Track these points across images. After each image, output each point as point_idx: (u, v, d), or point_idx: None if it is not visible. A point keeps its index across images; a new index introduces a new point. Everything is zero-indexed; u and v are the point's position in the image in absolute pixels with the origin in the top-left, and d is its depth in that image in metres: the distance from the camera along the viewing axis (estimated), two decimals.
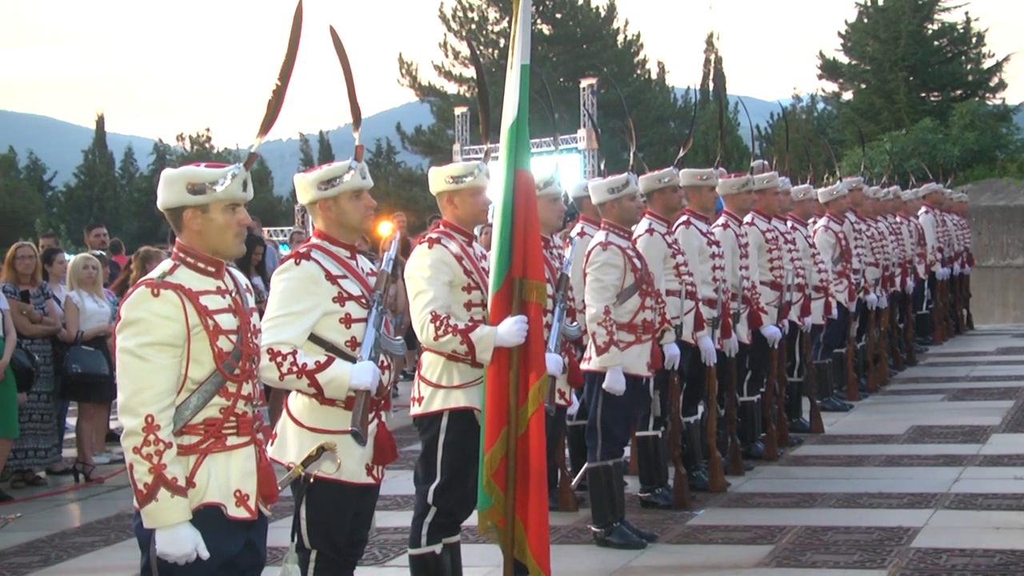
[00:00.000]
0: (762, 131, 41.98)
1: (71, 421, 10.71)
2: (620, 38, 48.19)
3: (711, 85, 51.72)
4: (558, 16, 47.00)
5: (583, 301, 6.95)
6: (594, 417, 6.91)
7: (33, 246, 10.36)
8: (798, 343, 9.93)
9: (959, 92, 39.52)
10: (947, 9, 40.43)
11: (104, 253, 12.37)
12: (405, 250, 11.06)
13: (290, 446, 4.43)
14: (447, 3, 46.79)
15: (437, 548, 5.24)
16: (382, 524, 6.70)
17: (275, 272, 4.55)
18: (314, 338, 4.41)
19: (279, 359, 4.28)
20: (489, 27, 46.49)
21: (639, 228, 7.47)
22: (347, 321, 4.43)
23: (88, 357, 9.69)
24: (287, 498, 4.47)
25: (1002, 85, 40.53)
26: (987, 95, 39.78)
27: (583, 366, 6.65)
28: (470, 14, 46.78)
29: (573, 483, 7.73)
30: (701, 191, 8.17)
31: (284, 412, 4.52)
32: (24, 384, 9.17)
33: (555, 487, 7.37)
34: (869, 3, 41.35)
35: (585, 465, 7.19)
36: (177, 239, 3.89)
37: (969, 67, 41.16)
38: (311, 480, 4.34)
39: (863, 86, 41.78)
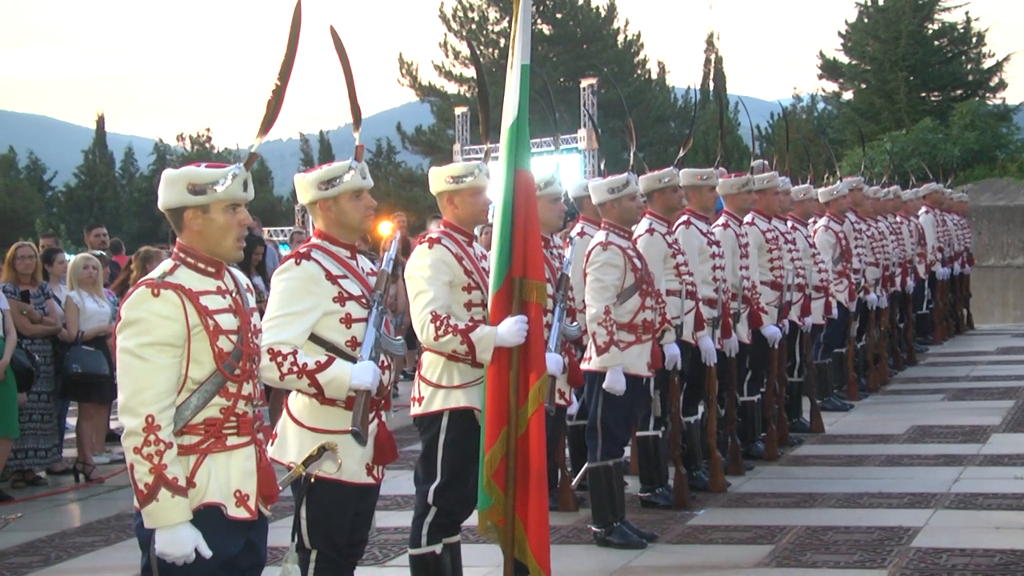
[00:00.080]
0: (762, 131, 41.99)
1: (71, 421, 10.71)
2: (620, 38, 48.17)
3: (711, 85, 51.72)
4: (558, 16, 46.99)
5: (583, 301, 6.95)
6: (594, 417, 6.91)
7: (33, 246, 10.36)
8: (798, 343, 9.93)
9: (959, 92, 39.51)
10: (947, 9, 40.46)
11: (104, 253, 12.37)
12: (405, 250, 11.07)
13: (290, 446, 4.43)
14: (447, 3, 46.87)
15: (437, 548, 5.24)
16: (382, 524, 6.70)
17: (275, 272, 4.55)
18: (314, 338, 4.41)
19: (279, 359, 4.28)
20: (489, 27, 46.48)
21: (639, 228, 7.47)
22: (347, 321, 4.43)
23: (88, 357, 9.70)
24: (287, 498, 4.47)
25: (1002, 85, 40.55)
26: (987, 95, 39.77)
27: (583, 366, 6.65)
28: (470, 14, 46.77)
29: (573, 483, 7.73)
30: (701, 191, 8.17)
31: (284, 412, 4.53)
32: (24, 384, 9.17)
33: (555, 487, 7.36)
34: (869, 3, 41.34)
35: (585, 465, 7.19)
36: (178, 239, 3.89)
37: (969, 67, 41.15)
38: (312, 480, 4.34)
39: (863, 86, 41.77)
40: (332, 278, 4.45)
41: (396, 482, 7.54)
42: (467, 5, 46.70)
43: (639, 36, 48.66)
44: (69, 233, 41.64)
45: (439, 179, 5.39)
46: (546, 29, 46.46)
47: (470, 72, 45.23)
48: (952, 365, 13.82)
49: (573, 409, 6.53)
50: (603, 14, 47.80)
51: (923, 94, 40.12)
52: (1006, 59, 40.68)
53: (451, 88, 46.90)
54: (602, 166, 10.58)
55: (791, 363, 9.85)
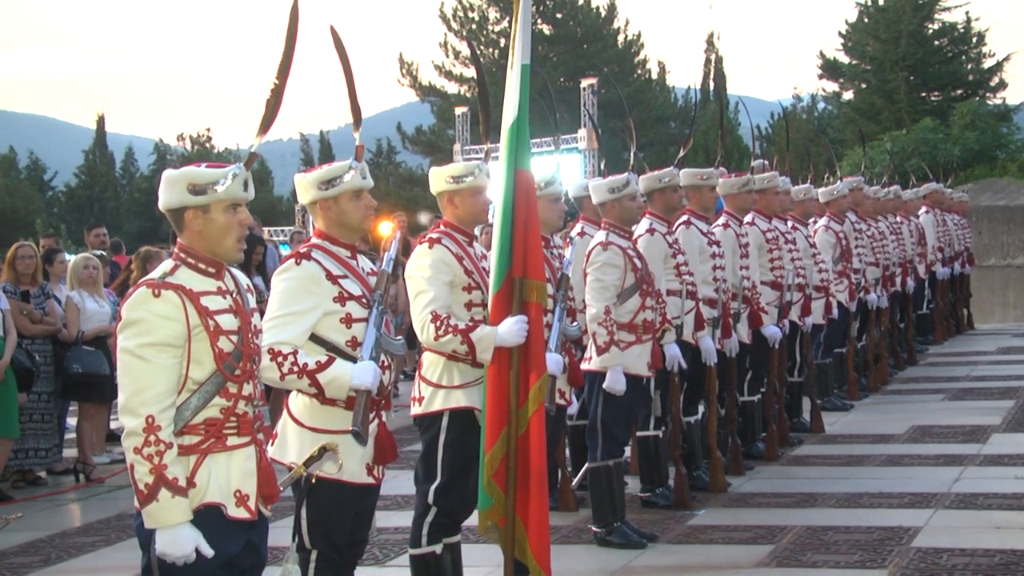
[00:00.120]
0: (762, 131, 42.01)
1: (71, 421, 10.71)
2: (620, 38, 48.19)
3: (711, 85, 51.76)
4: (558, 16, 47.00)
5: (583, 301, 6.94)
6: (594, 417, 6.90)
7: (33, 246, 10.36)
8: (798, 343, 9.93)
9: (959, 92, 39.51)
10: (947, 9, 40.46)
11: (104, 253, 12.37)
12: (405, 250, 11.07)
13: (291, 446, 4.43)
14: (447, 3, 46.88)
15: (437, 548, 5.24)
16: (382, 524, 6.70)
17: (276, 272, 4.55)
18: (315, 338, 4.41)
19: (280, 359, 4.28)
20: (489, 27, 46.49)
21: (640, 228, 7.47)
22: (348, 321, 4.43)
23: (89, 357, 9.70)
24: (287, 498, 4.47)
25: (1002, 85, 40.56)
26: (987, 95, 39.77)
27: (583, 366, 6.65)
28: (470, 14, 46.79)
29: (573, 483, 7.73)
30: (701, 191, 8.17)
31: (285, 412, 4.52)
32: (24, 384, 9.17)
33: (555, 487, 7.36)
34: (869, 3, 41.35)
35: (585, 465, 7.19)
36: (178, 239, 3.89)
37: (969, 67, 41.16)
38: (312, 480, 4.34)
39: (863, 86, 41.78)
40: (332, 278, 4.45)
41: (396, 482, 7.54)
42: (467, 5, 46.72)
43: (639, 36, 48.73)
44: (69, 233, 41.65)
45: (439, 179, 5.39)
46: (546, 29, 46.47)
47: (470, 72, 45.25)
48: (952, 365, 13.82)
49: (573, 409, 6.53)
50: (603, 14, 47.81)
51: (923, 94, 40.13)
52: (1006, 59, 40.74)
53: (451, 88, 46.95)
54: (602, 166, 10.58)
55: (791, 363, 9.85)
